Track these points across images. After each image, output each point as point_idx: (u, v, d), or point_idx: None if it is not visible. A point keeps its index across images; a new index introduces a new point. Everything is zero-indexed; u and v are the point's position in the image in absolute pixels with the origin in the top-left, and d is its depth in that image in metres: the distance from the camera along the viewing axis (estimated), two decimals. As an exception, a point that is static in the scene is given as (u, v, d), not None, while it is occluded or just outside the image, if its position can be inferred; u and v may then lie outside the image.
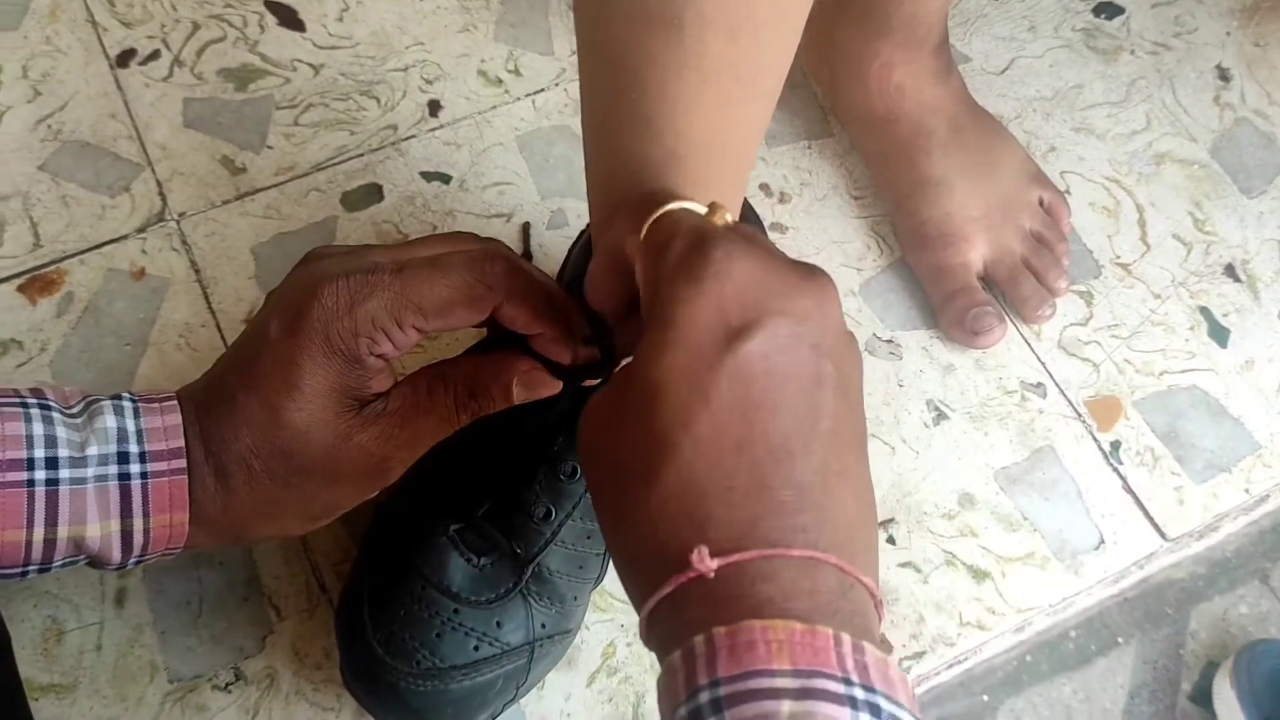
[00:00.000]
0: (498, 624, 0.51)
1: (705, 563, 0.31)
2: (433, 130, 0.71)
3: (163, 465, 0.43)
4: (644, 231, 0.38)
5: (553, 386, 0.47)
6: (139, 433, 0.43)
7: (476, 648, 0.51)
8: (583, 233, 0.57)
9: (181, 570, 0.57)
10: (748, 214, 0.55)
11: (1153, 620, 0.63)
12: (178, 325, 0.63)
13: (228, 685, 0.55)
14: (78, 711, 0.54)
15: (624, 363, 0.38)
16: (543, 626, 0.53)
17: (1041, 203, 0.69)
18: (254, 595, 0.57)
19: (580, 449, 0.38)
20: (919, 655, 0.59)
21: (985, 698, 0.60)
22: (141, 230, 0.66)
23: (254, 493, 0.44)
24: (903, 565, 0.61)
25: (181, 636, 0.56)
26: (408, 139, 0.70)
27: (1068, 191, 0.72)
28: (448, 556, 0.52)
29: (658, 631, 0.33)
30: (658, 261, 0.35)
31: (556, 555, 0.53)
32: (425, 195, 0.69)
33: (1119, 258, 0.71)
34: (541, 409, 0.51)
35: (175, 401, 0.44)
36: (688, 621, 0.31)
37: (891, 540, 0.62)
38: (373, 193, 0.68)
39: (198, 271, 0.65)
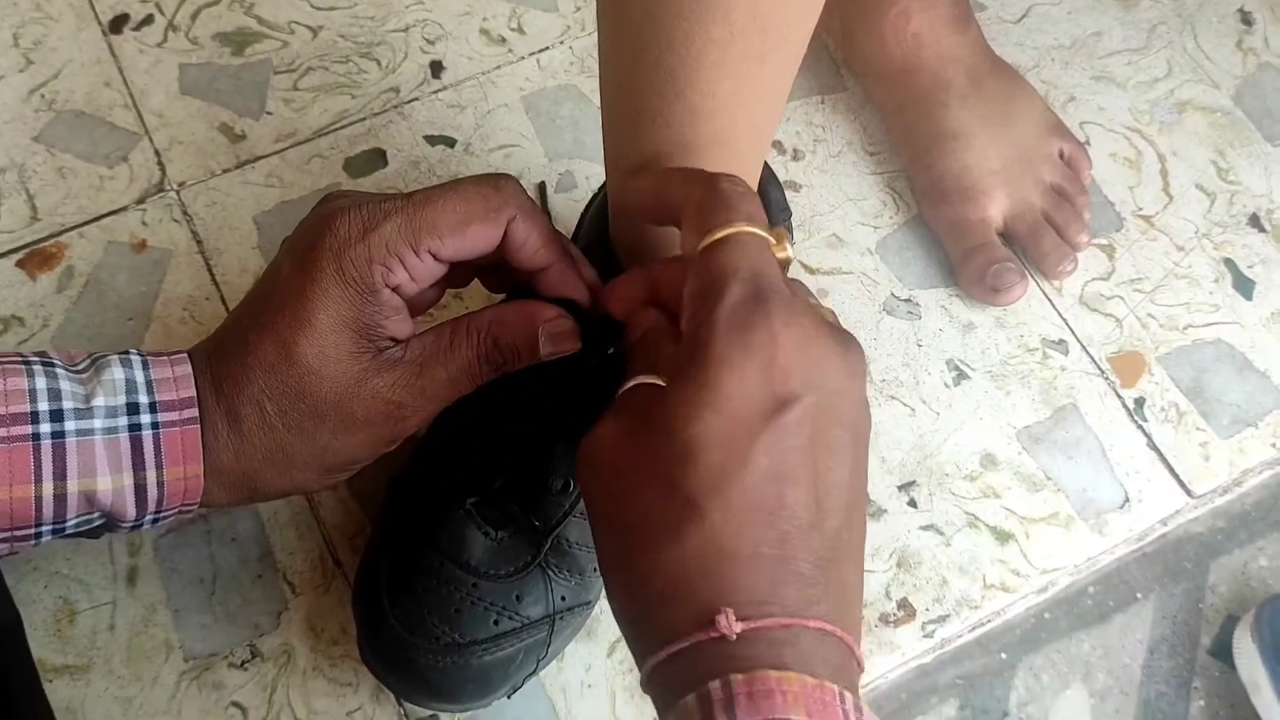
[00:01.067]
0: (517, 598, 0.51)
1: (731, 626, 0.32)
2: (436, 92, 0.69)
3: (174, 415, 0.41)
4: (701, 245, 0.36)
5: (575, 341, 0.45)
6: (149, 383, 0.41)
7: (496, 622, 0.50)
8: (594, 196, 0.55)
9: (194, 547, 0.56)
10: (767, 177, 0.53)
11: (1171, 575, 0.62)
12: (181, 298, 0.62)
13: (244, 663, 0.54)
14: (93, 692, 0.53)
15: (633, 382, 0.37)
16: (562, 599, 0.52)
17: (1062, 155, 0.67)
18: (268, 571, 0.56)
19: (583, 479, 0.37)
20: (942, 619, 0.58)
21: (1003, 655, 0.59)
22: (141, 201, 0.65)
23: (266, 438, 0.42)
24: (925, 528, 0.60)
25: (196, 614, 0.55)
26: (410, 102, 0.68)
27: (1087, 142, 0.70)
28: (465, 531, 0.51)
29: (662, 678, 0.34)
30: (710, 303, 0.35)
31: (575, 527, 0.52)
32: (430, 159, 0.67)
33: (1141, 210, 0.69)
34: (558, 378, 0.50)
35: (185, 354, 0.43)
36: (700, 673, 0.32)
37: (913, 503, 0.60)
38: (376, 158, 0.67)
39: (200, 242, 0.64)
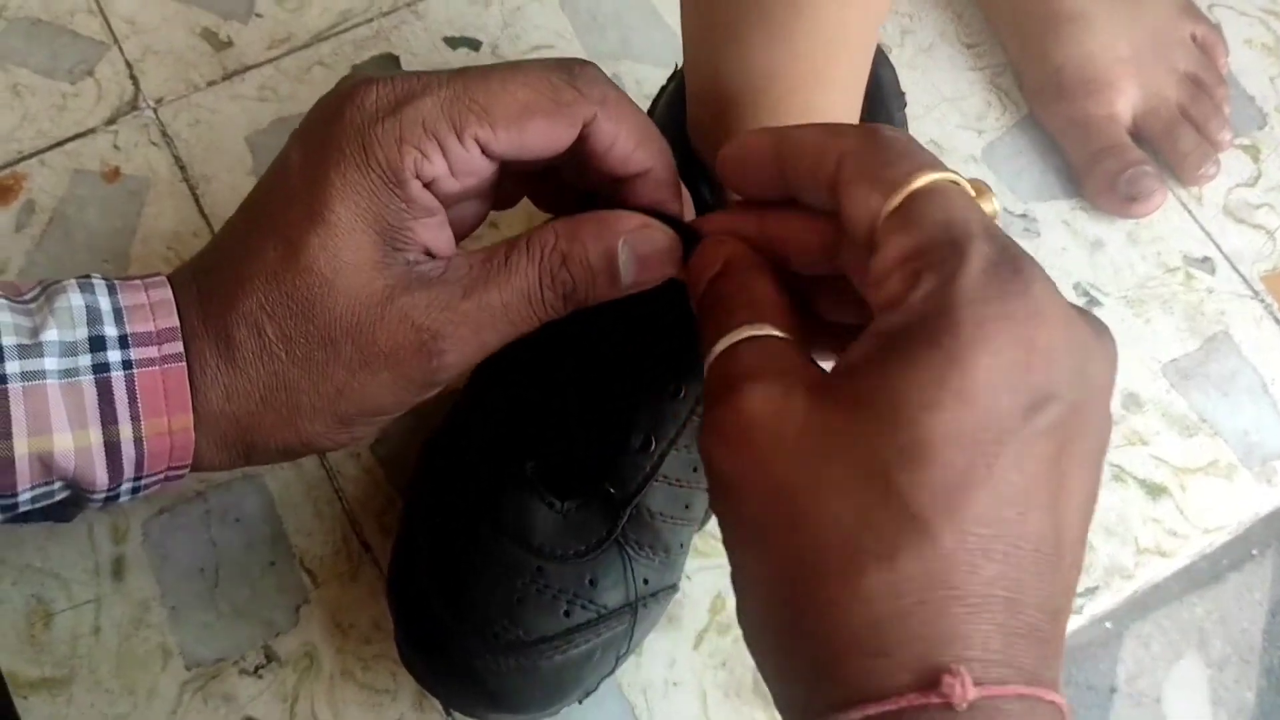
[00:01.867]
0: (591, 582, 0.42)
1: (966, 690, 0.24)
2: (455, -13, 0.59)
3: (151, 351, 0.32)
4: (899, 196, 0.28)
5: (671, 260, 0.35)
6: (116, 311, 0.32)
7: (568, 613, 0.41)
8: (664, 88, 0.46)
9: (190, 531, 0.47)
10: (878, 58, 0.43)
11: None
12: (164, 234, 0.53)
13: (258, 669, 0.46)
14: (77, 710, 0.45)
15: (743, 334, 0.29)
16: (645, 582, 0.43)
17: (1195, 38, 0.57)
18: (281, 557, 0.47)
19: (723, 468, 0.28)
20: (1091, 591, 0.49)
21: (1109, 625, 0.52)
22: (111, 122, 0.55)
23: (266, 370, 0.33)
24: (1061, 483, 0.51)
25: (196, 612, 0.46)
26: (426, -1, 0.59)
27: (1218, 27, 0.61)
28: (525, 500, 0.41)
29: None
30: (952, 262, 0.27)
31: (659, 493, 0.42)
32: (451, 65, 0.57)
33: (1286, 104, 0.60)
34: (638, 307, 0.40)
35: (163, 277, 0.33)
36: None
37: (1045, 453, 0.51)
38: (388, 64, 0.57)
39: (183, 169, 0.54)
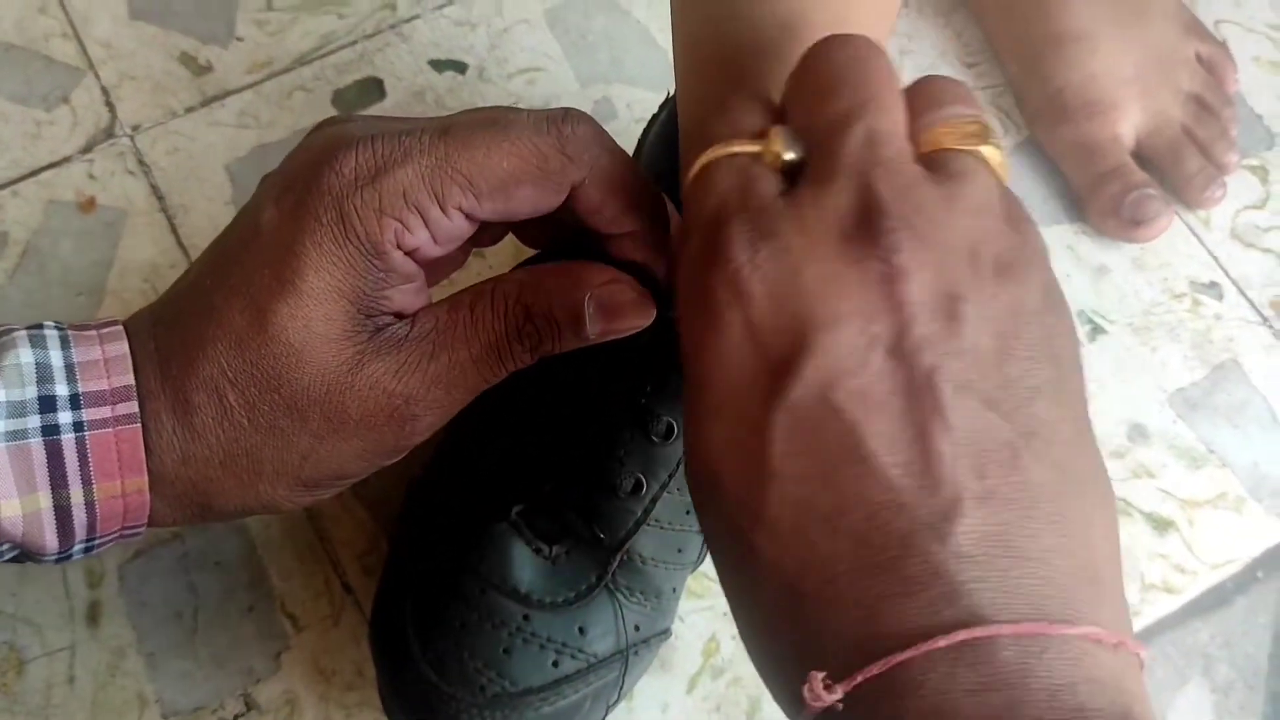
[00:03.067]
0: (580, 630, 0.40)
1: (820, 697, 0.23)
2: (440, 8, 0.58)
3: (105, 412, 0.30)
4: (684, 185, 0.28)
5: (641, 313, 0.34)
6: (69, 368, 0.30)
7: (556, 663, 0.40)
8: (657, 114, 0.44)
9: (168, 575, 0.46)
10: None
11: None
12: (141, 267, 0.51)
13: (237, 717, 0.44)
14: (49, 763, 0.43)
15: None
16: (636, 629, 0.41)
17: (1200, 58, 0.56)
18: (262, 602, 0.46)
19: (692, 494, 0.28)
20: (1097, 630, 0.48)
21: None
22: (87, 150, 0.54)
23: (225, 436, 0.31)
24: (1066, 518, 0.49)
25: (175, 659, 0.45)
26: (410, 20, 0.57)
27: (1225, 45, 0.59)
28: (511, 547, 0.40)
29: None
30: (675, 269, 0.27)
31: (649, 538, 0.41)
32: (437, 89, 0.56)
33: (1294, 123, 0.58)
34: (624, 345, 0.39)
35: (119, 325, 0.32)
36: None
37: (1049, 487, 0.50)
38: (372, 89, 0.56)
39: (160, 198, 0.53)
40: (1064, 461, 0.24)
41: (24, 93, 0.55)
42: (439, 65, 0.57)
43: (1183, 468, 0.51)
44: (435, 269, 0.35)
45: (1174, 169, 0.54)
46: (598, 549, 0.40)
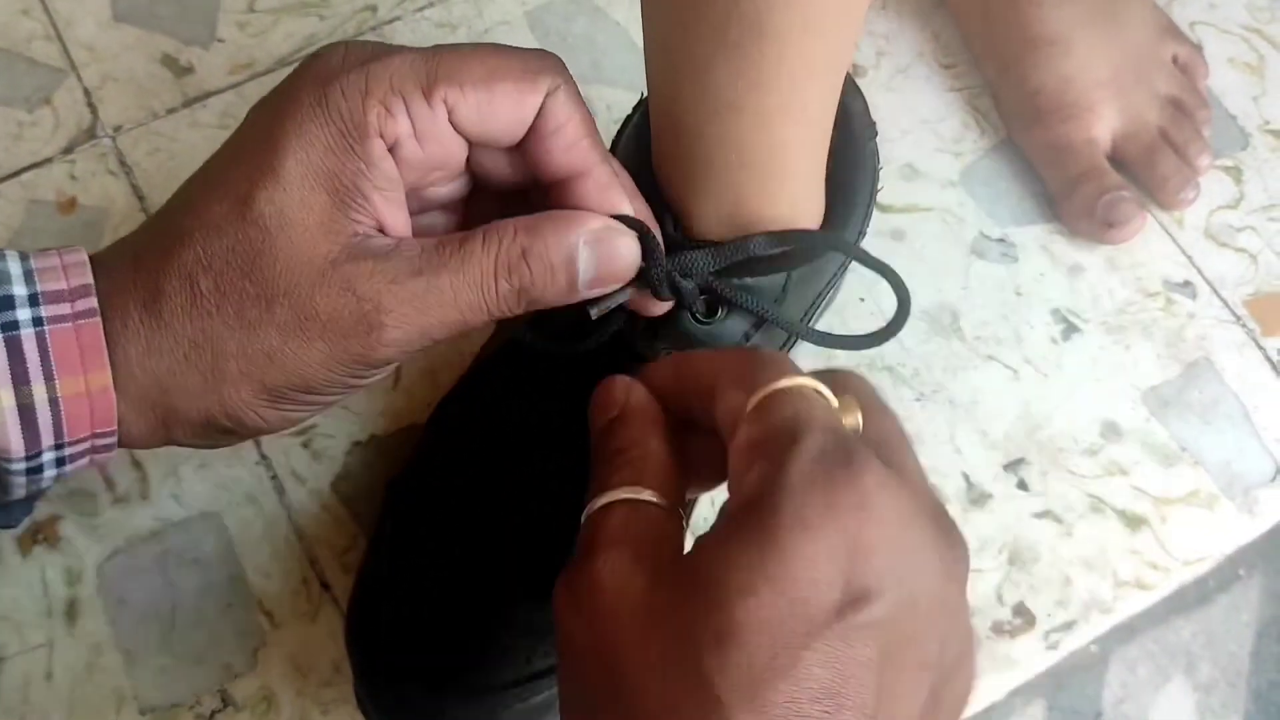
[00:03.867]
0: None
1: None
2: (421, 10, 0.58)
3: (64, 308, 0.30)
4: (760, 394, 0.29)
5: (630, 257, 0.35)
6: (27, 273, 0.31)
7: (530, 659, 0.40)
8: (629, 117, 0.44)
9: (146, 572, 0.46)
10: (848, 87, 0.42)
11: (1278, 548, 0.53)
12: (121, 266, 0.51)
13: (214, 713, 0.44)
14: (27, 759, 0.43)
15: (613, 496, 0.30)
16: (611, 624, 0.41)
17: (1176, 60, 0.56)
18: (239, 599, 0.46)
19: (565, 626, 0.29)
20: (1069, 625, 0.48)
21: (1094, 649, 0.50)
22: (69, 151, 0.54)
23: (192, 325, 0.31)
24: (1040, 515, 0.50)
25: (152, 656, 0.45)
26: (391, 22, 0.58)
27: (1199, 47, 0.60)
28: (486, 544, 0.40)
29: None
30: (784, 451, 0.27)
31: (622, 534, 0.41)
32: (418, 90, 0.56)
33: (1268, 124, 0.59)
34: (588, 355, 0.39)
35: (79, 247, 0.32)
36: None
37: (1023, 485, 0.50)
38: (353, 90, 0.56)
39: (141, 198, 0.53)
40: None
41: (6, 94, 0.55)
42: (420, 67, 0.57)
43: (1155, 465, 0.51)
44: (422, 201, 0.35)
45: (1149, 171, 0.55)
46: (571, 549, 0.41)
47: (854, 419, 0.29)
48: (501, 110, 0.33)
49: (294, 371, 0.32)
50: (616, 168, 0.35)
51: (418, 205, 0.35)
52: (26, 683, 0.44)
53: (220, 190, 0.31)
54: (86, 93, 0.55)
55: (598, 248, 0.34)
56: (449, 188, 0.36)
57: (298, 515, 0.48)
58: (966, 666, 0.28)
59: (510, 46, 0.34)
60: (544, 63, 0.34)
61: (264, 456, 0.48)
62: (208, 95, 0.55)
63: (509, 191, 0.36)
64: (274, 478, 0.48)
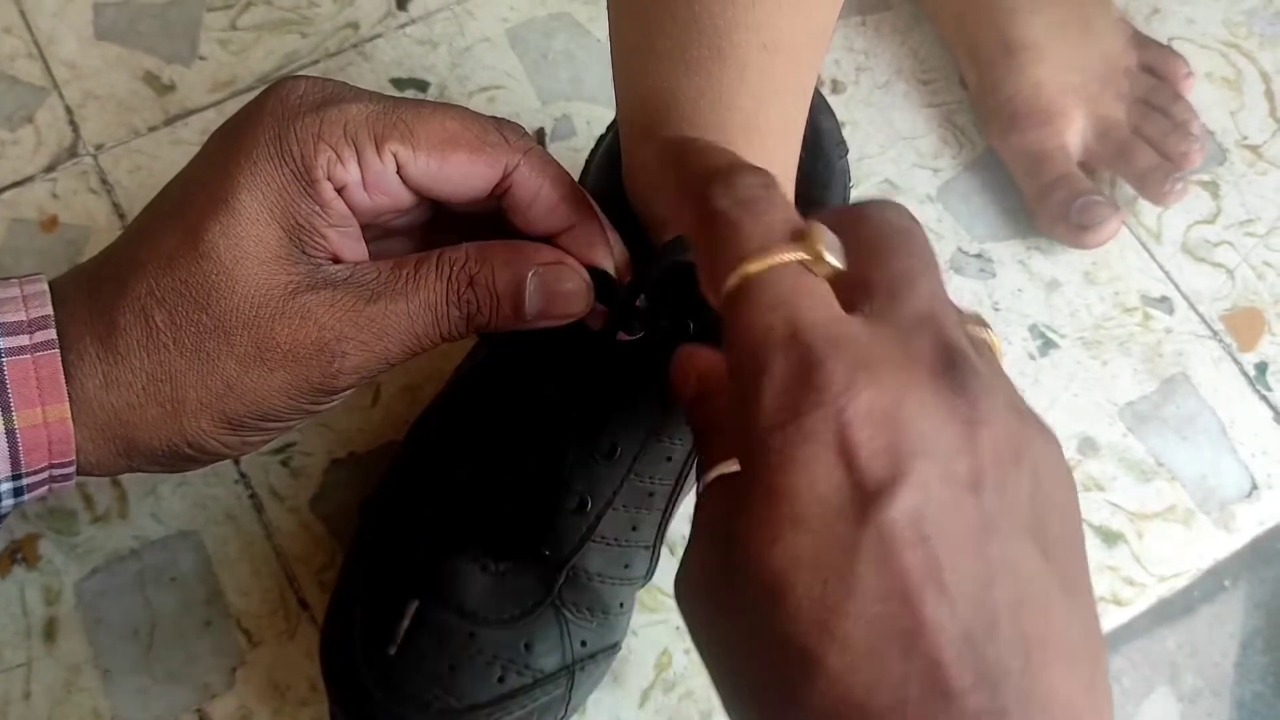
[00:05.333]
0: (526, 646, 0.40)
1: None
2: (402, 26, 0.58)
3: (22, 339, 0.30)
4: (722, 296, 0.27)
5: (580, 300, 0.35)
6: None
7: (502, 679, 0.40)
8: (602, 137, 0.45)
9: (125, 592, 0.46)
10: (818, 105, 0.43)
11: (1262, 558, 0.53)
12: (101, 285, 0.51)
13: (192, 732, 0.44)
14: (5, 779, 0.43)
15: (713, 474, 0.28)
16: (583, 644, 0.42)
17: (1144, 66, 0.57)
18: (218, 617, 0.46)
19: (686, 617, 0.28)
20: (1045, 642, 0.48)
21: None
22: (50, 169, 0.54)
23: (150, 360, 0.31)
24: (1016, 531, 0.50)
25: (130, 675, 0.45)
26: (373, 39, 0.58)
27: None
28: (458, 565, 0.40)
29: None
30: (751, 390, 0.26)
31: (595, 554, 0.41)
32: (398, 107, 0.56)
33: (1246, 139, 0.59)
34: (568, 366, 0.40)
35: (40, 275, 0.32)
36: None
37: (1000, 501, 0.50)
38: (333, 108, 0.56)
39: (123, 216, 0.53)
40: (1090, 611, 0.26)
41: (-12, 113, 0.55)
42: (401, 84, 0.57)
43: (1132, 480, 0.51)
44: (381, 229, 0.36)
45: (1127, 168, 0.55)
46: (543, 565, 0.41)
47: (826, 265, 0.27)
48: (454, 176, 0.33)
49: (254, 401, 0.32)
50: (599, 216, 0.36)
51: (378, 233, 0.36)
52: (5, 702, 0.44)
53: (172, 223, 0.32)
54: (68, 111, 0.55)
55: (547, 283, 0.34)
56: (408, 218, 0.36)
57: (276, 533, 0.48)
58: (1060, 493, 0.27)
59: (473, 113, 0.34)
60: (502, 135, 0.34)
61: (243, 475, 0.48)
62: (189, 113, 0.56)
63: (472, 215, 0.36)
64: (252, 496, 0.48)
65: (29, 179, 0.54)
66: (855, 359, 0.25)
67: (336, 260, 0.33)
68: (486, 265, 0.33)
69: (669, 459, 0.41)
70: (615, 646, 0.44)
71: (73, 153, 0.54)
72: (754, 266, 0.27)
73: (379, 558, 0.42)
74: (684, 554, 0.28)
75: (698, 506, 0.29)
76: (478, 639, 0.40)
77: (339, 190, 0.32)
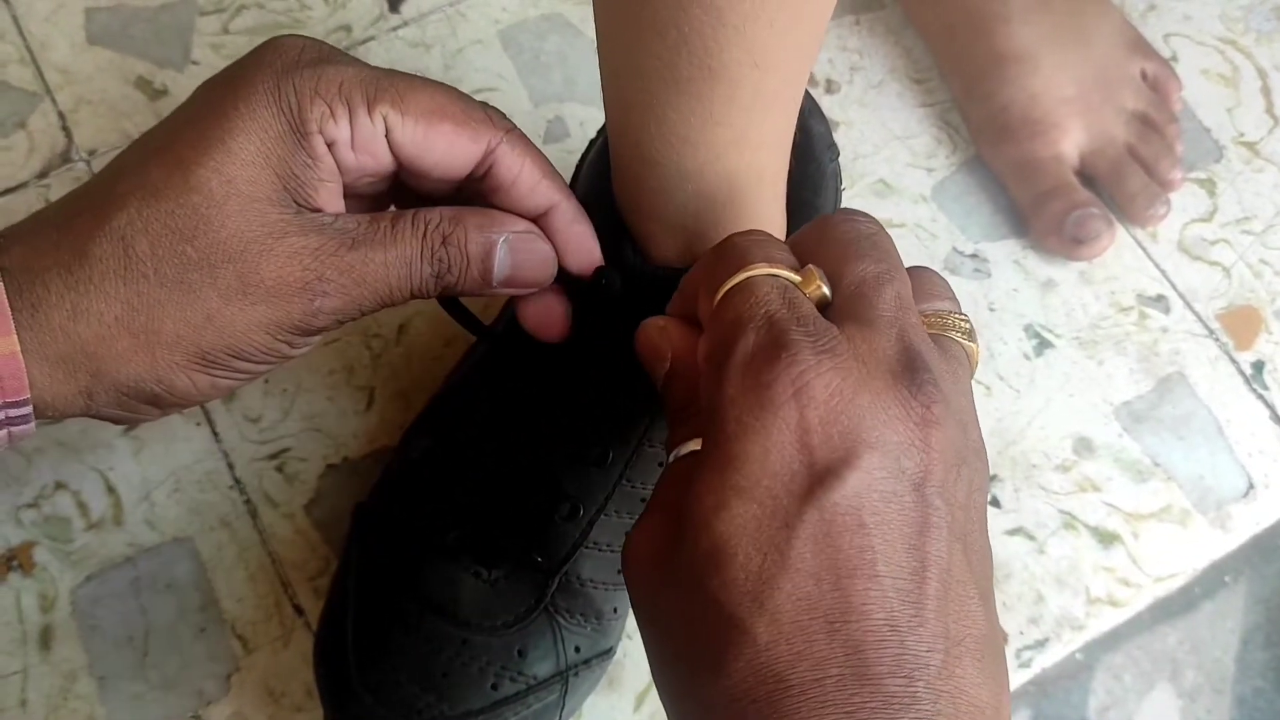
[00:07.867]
0: (519, 653, 0.40)
1: None
2: (395, 29, 0.58)
3: None
4: (717, 298, 0.30)
5: (546, 268, 0.37)
6: None
7: (495, 685, 0.40)
8: (593, 141, 0.44)
9: (120, 599, 0.46)
10: (809, 108, 0.42)
11: (1263, 554, 0.53)
12: (95, 291, 0.51)
13: (188, 739, 0.44)
14: (1, 787, 0.43)
15: (685, 448, 0.30)
16: (576, 650, 0.42)
17: (1145, 76, 0.56)
18: (213, 624, 0.46)
19: (629, 591, 0.30)
20: (1041, 644, 0.48)
21: (1079, 656, 0.50)
22: (43, 175, 0.54)
23: (127, 289, 0.31)
24: (1012, 532, 0.50)
25: (126, 682, 0.45)
26: (365, 42, 0.58)
27: (1174, 59, 0.60)
28: (450, 572, 0.40)
29: None
30: (720, 362, 0.28)
31: (588, 560, 0.41)
32: (391, 111, 0.56)
33: (1243, 136, 0.58)
34: (561, 373, 0.40)
35: None
36: None
37: (995, 502, 0.50)
38: (326, 111, 0.56)
39: (116, 222, 0.53)
40: (997, 623, 0.28)
41: (-19, 119, 0.55)
42: (393, 87, 0.57)
43: (1128, 481, 0.51)
44: (349, 190, 0.36)
45: (1117, 187, 0.55)
46: (536, 572, 0.41)
47: (816, 288, 0.29)
48: (438, 145, 0.34)
49: (231, 335, 0.32)
50: (572, 195, 0.37)
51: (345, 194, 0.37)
52: (1, 709, 0.45)
53: (160, 157, 0.32)
54: (61, 116, 0.55)
55: (517, 250, 0.36)
56: (374, 187, 0.37)
57: (271, 539, 0.48)
58: (969, 472, 0.28)
59: (461, 92, 0.35)
60: (486, 114, 0.35)
61: (237, 480, 0.48)
62: (181, 118, 0.56)
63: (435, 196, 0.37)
64: (247, 501, 0.48)
65: (22, 185, 0.54)
66: (823, 347, 0.27)
67: (321, 211, 0.34)
68: (460, 227, 0.35)
69: (660, 464, 0.41)
70: (609, 652, 0.44)
71: (66, 158, 0.54)
72: (753, 272, 0.29)
73: (372, 565, 0.42)
74: (635, 523, 0.30)
75: (659, 482, 0.30)
76: (471, 646, 0.40)
77: (329, 145, 0.33)
